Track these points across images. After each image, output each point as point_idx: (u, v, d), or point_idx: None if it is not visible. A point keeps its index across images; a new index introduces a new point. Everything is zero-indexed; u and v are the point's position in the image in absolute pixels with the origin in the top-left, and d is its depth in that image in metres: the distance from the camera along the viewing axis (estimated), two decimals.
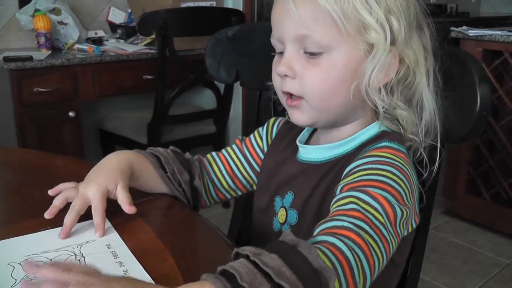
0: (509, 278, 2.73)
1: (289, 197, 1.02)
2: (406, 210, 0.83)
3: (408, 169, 0.88)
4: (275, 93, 1.00)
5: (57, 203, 0.94)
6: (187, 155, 1.13)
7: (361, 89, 0.91)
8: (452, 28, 3.19)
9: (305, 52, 0.90)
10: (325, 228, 0.76)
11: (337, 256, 0.70)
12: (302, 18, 0.87)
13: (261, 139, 1.17)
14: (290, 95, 0.94)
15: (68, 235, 0.88)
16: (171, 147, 1.14)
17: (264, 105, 1.37)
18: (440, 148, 0.96)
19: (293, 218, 1.01)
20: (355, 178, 0.85)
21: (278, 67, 0.92)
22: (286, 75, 0.92)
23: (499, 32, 2.99)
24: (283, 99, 0.97)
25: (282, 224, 1.03)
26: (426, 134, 0.95)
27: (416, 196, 0.89)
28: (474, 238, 3.14)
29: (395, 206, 0.81)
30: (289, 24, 0.90)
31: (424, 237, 1.11)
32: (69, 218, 0.89)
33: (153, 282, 0.75)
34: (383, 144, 0.92)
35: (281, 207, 1.04)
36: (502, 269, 2.81)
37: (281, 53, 0.94)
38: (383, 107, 0.92)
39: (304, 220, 0.98)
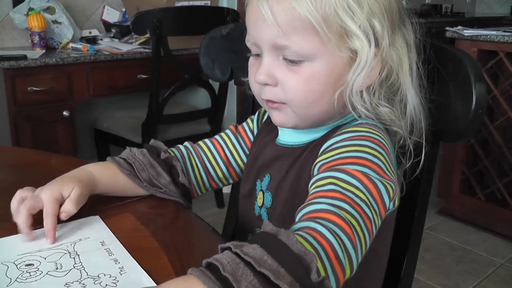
0: (503, 278, 2.74)
1: (266, 180, 1.02)
2: (388, 183, 0.82)
3: (387, 142, 0.87)
4: (250, 88, 0.98)
5: (14, 204, 0.93)
6: (163, 154, 1.07)
7: (345, 96, 0.88)
8: (447, 28, 3.20)
9: (284, 59, 0.87)
10: (305, 213, 0.75)
11: (319, 240, 0.69)
12: (281, 27, 0.84)
13: (252, 122, 1.16)
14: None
15: (29, 232, 0.87)
16: (150, 143, 1.11)
17: (259, 104, 1.36)
18: (424, 145, 0.94)
19: (268, 200, 1.00)
20: (332, 156, 0.84)
21: (258, 76, 0.89)
22: (266, 84, 0.89)
23: (494, 32, 3.00)
24: (263, 103, 0.95)
25: (260, 207, 1.03)
26: (410, 132, 0.93)
27: (395, 171, 0.87)
28: (468, 238, 3.14)
29: (376, 180, 0.80)
30: (266, 31, 0.86)
31: (419, 237, 1.11)
32: (19, 218, 0.88)
33: (149, 277, 0.76)
34: (359, 121, 0.91)
35: (260, 190, 1.03)
36: (497, 269, 2.82)
37: (258, 55, 0.92)
38: (364, 108, 0.89)
39: (278, 202, 0.98)
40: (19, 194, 0.94)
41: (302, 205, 0.78)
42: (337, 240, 0.70)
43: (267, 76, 0.88)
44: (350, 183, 0.78)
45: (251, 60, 0.95)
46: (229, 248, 0.65)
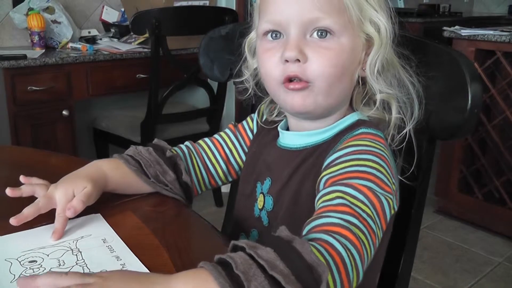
0: (501, 276, 2.75)
1: (267, 183, 1.03)
2: (390, 197, 0.84)
3: (387, 153, 0.90)
4: (240, 92, 1.05)
5: (25, 189, 0.96)
6: (168, 153, 1.08)
7: (363, 77, 0.95)
8: (444, 28, 3.21)
9: (311, 36, 0.90)
10: (316, 225, 0.77)
11: (331, 253, 0.70)
12: (319, 1, 0.88)
13: (252, 121, 1.17)
14: (289, 80, 0.91)
15: (21, 223, 0.89)
16: (153, 141, 1.12)
17: (257, 103, 1.37)
18: (415, 142, 0.97)
19: (269, 204, 1.02)
20: (338, 170, 0.86)
21: (288, 52, 0.89)
22: (296, 60, 0.89)
23: (491, 32, 3.01)
24: (280, 89, 0.94)
25: (261, 210, 1.04)
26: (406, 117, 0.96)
27: (396, 179, 0.90)
28: (466, 237, 3.15)
29: (379, 195, 0.82)
30: (298, 6, 0.89)
31: (416, 235, 1.12)
32: (28, 210, 0.90)
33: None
34: (360, 131, 0.93)
35: (260, 193, 1.05)
36: (494, 267, 2.83)
37: (276, 35, 0.93)
38: (365, 94, 0.96)
39: (280, 207, 0.99)
40: (32, 188, 0.97)
41: (311, 218, 0.79)
42: (348, 254, 0.72)
43: (298, 52, 0.89)
44: (357, 197, 0.80)
45: (266, 44, 0.95)
46: (242, 248, 0.66)
